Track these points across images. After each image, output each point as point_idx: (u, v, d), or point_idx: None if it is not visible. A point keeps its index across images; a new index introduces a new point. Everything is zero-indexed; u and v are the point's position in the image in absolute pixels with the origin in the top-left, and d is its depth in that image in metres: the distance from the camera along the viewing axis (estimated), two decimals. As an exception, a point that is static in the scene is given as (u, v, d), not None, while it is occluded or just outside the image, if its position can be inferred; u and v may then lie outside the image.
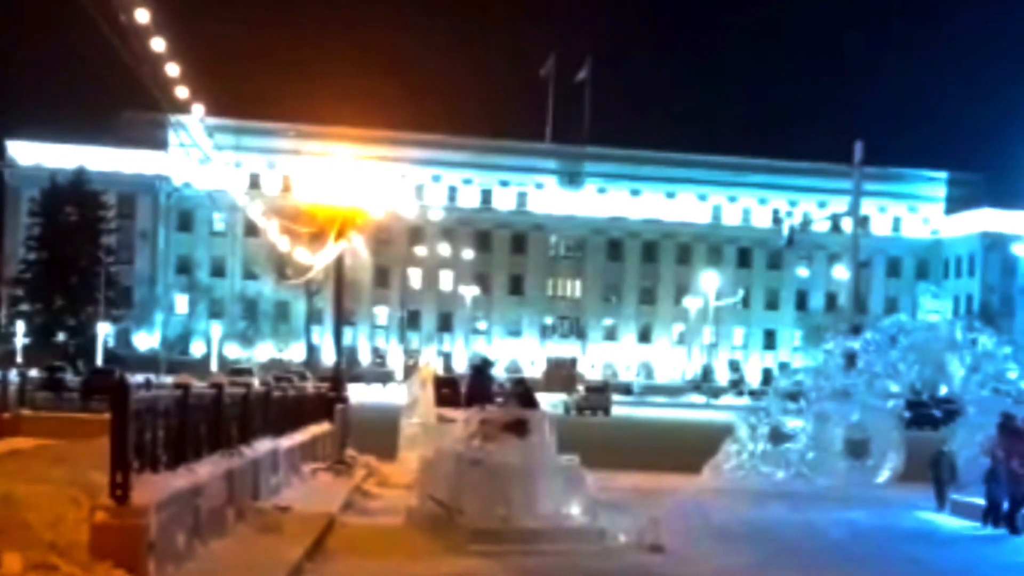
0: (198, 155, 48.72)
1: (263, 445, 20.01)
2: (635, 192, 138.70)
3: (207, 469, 15.61)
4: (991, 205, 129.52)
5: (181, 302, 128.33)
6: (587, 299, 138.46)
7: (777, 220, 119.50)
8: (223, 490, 16.44)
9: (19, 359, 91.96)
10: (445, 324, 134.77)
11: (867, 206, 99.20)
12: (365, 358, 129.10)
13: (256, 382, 23.89)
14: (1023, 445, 23.11)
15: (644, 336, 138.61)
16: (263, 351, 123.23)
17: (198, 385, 16.47)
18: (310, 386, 31.18)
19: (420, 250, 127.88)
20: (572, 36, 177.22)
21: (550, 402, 62.15)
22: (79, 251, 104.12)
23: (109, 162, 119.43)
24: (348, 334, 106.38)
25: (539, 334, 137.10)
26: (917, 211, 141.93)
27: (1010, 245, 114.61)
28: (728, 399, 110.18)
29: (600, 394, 78.54)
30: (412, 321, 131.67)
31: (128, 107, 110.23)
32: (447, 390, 41.31)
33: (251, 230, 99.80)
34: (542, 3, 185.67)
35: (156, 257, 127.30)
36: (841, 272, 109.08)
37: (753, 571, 18.56)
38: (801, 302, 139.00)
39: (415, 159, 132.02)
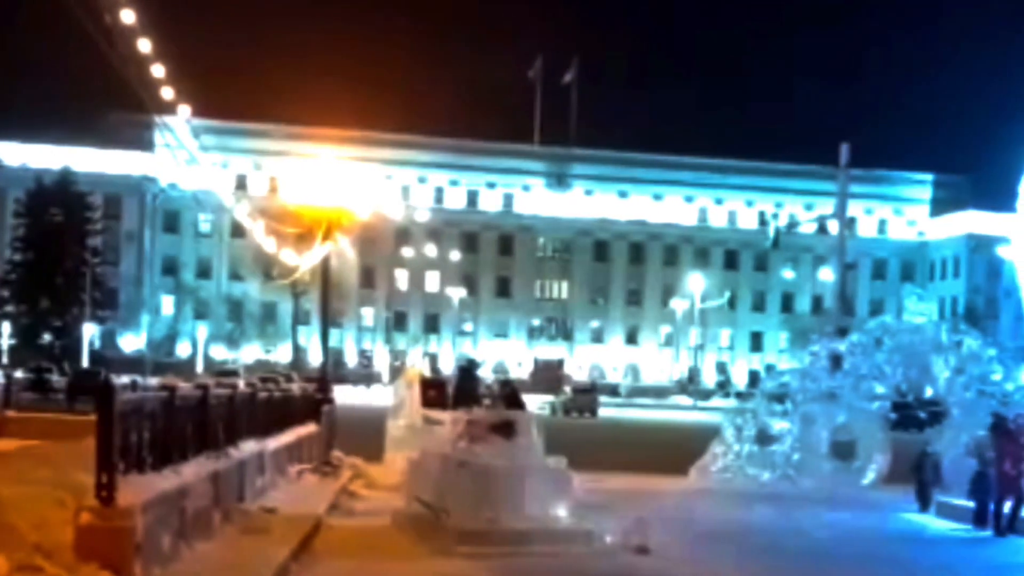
0: (184, 156, 48.57)
1: (249, 447, 19.98)
2: (622, 194, 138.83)
3: (193, 470, 15.59)
4: (976, 207, 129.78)
5: (167, 303, 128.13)
6: (574, 300, 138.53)
7: (763, 222, 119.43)
8: (209, 492, 16.42)
9: (4, 360, 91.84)
10: (432, 325, 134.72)
11: (853, 208, 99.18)
12: (351, 359, 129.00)
13: (242, 383, 23.85)
14: (1015, 447, 23.12)
15: (631, 338, 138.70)
16: (249, 352, 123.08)
17: (184, 386, 16.45)
18: (296, 387, 31.07)
19: (407, 251, 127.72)
20: (559, 38, 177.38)
21: (537, 404, 62.20)
22: (65, 252, 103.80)
23: (95, 163, 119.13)
24: (334, 335, 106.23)
25: (526, 335, 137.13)
26: (903, 213, 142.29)
27: (995, 247, 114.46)
28: (715, 401, 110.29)
29: (587, 395, 78.59)
30: (399, 322, 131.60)
31: (114, 108, 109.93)
32: (434, 391, 41.24)
33: (237, 231, 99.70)
34: (529, 5, 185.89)
35: (142, 258, 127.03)
36: (827, 274, 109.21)
37: (739, 572, 18.59)
38: (787, 304, 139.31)
39: (401, 160, 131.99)
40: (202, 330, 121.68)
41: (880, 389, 31.68)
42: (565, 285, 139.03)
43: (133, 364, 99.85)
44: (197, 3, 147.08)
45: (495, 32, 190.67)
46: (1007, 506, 22.91)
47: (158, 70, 23.79)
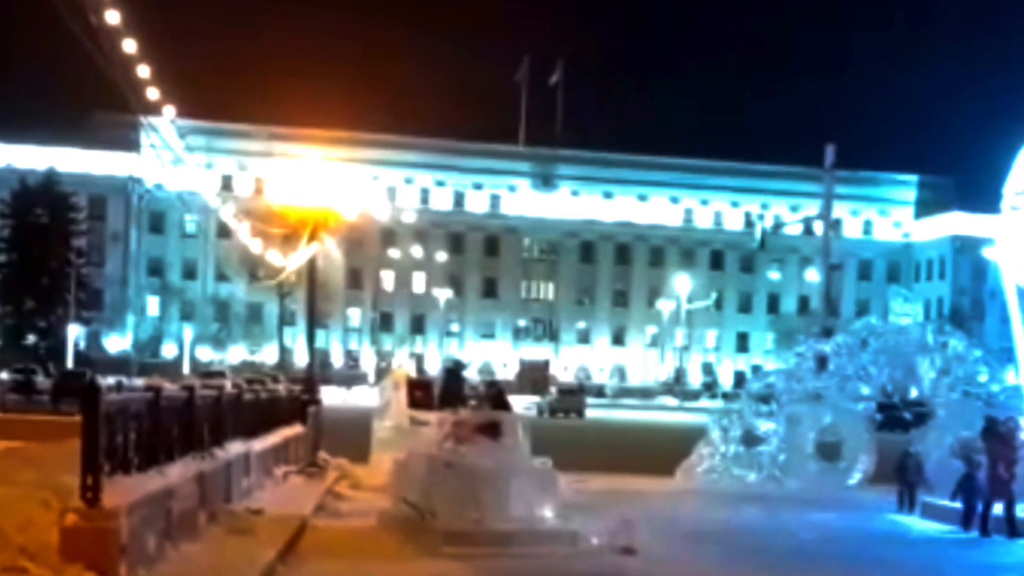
0: (170, 157, 48.45)
1: (235, 448, 19.96)
2: (608, 195, 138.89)
3: (179, 472, 15.56)
4: (961, 209, 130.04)
5: (153, 304, 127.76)
6: (560, 301, 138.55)
7: (749, 223, 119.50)
8: (195, 493, 16.39)
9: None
10: (418, 326, 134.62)
11: (838, 209, 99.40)
12: (338, 360, 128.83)
13: (228, 384, 23.80)
14: (1009, 450, 23.12)
15: (617, 338, 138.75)
16: (235, 353, 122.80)
17: (169, 387, 16.41)
18: (282, 388, 31.03)
19: (393, 252, 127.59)
20: (546, 39, 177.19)
21: (523, 404, 62.28)
22: (50, 253, 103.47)
23: (80, 163, 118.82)
24: (320, 336, 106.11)
25: (512, 336, 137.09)
26: (888, 214, 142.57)
27: (980, 248, 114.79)
28: (701, 402, 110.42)
29: (573, 396, 78.61)
30: (385, 323, 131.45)
31: (99, 108, 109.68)
32: (420, 392, 41.19)
33: (223, 232, 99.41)
34: (516, 6, 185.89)
35: (127, 259, 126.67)
36: (813, 275, 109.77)
37: (724, 572, 18.63)
38: (773, 305, 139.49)
39: (387, 161, 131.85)
40: (188, 331, 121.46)
41: (866, 390, 31.75)
42: (551, 286, 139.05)
43: (118, 365, 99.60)
44: (183, 4, 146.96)
45: (481, 33, 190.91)
46: (998, 508, 22.90)
47: (143, 70, 23.74)
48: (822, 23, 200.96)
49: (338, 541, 18.97)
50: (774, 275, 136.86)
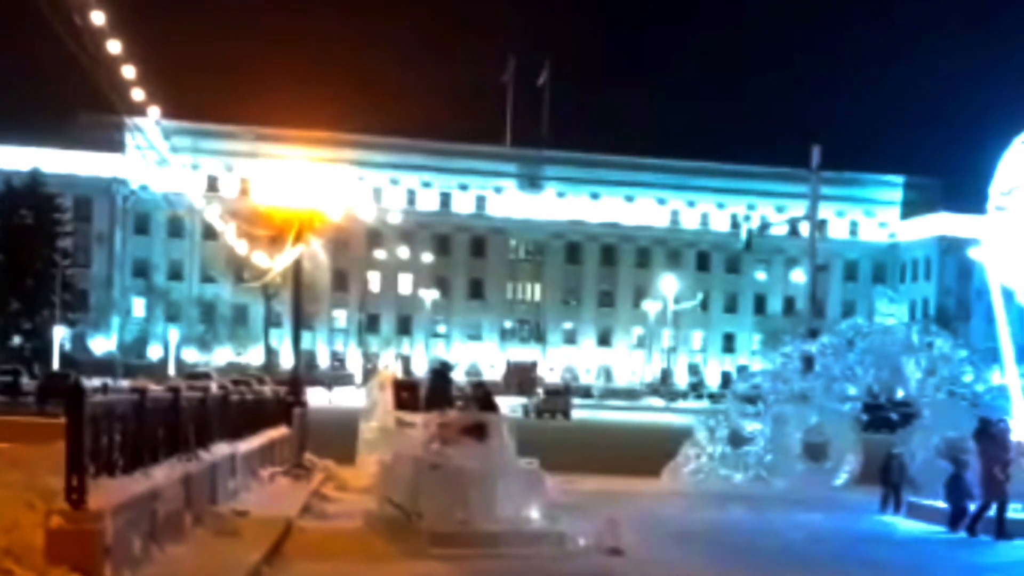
0: (155, 158, 48.38)
1: (221, 449, 19.91)
2: (594, 196, 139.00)
3: (164, 473, 15.51)
4: (947, 209, 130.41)
5: (138, 305, 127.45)
6: (547, 302, 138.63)
7: (735, 224, 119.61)
8: (180, 494, 16.34)
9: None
10: (404, 327, 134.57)
11: (824, 210, 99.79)
12: (324, 362, 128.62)
13: (214, 386, 23.74)
14: (1002, 451, 23.07)
15: (603, 339, 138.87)
16: (221, 355, 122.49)
17: (155, 389, 16.36)
18: (268, 390, 30.96)
19: (379, 253, 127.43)
20: (532, 40, 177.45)
21: (510, 405, 62.20)
22: (34, 254, 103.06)
23: (65, 164, 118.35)
24: (306, 338, 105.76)
25: (499, 337, 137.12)
26: (874, 215, 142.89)
27: (966, 249, 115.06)
28: (687, 402, 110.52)
29: (560, 397, 78.63)
30: (371, 324, 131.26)
31: (84, 109, 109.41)
32: (406, 394, 41.11)
33: (209, 233, 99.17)
34: (502, 8, 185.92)
35: (113, 260, 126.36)
36: (799, 276, 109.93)
37: (712, 573, 18.63)
38: (759, 306, 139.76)
39: (373, 162, 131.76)
40: (173, 332, 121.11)
41: (852, 390, 31.81)
42: (537, 287, 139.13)
43: (104, 367, 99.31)
44: (167, 4, 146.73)
45: (467, 34, 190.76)
46: (992, 509, 22.88)
47: (128, 71, 23.70)
48: (809, 24, 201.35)
49: (324, 543, 18.92)
50: (760, 276, 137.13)
